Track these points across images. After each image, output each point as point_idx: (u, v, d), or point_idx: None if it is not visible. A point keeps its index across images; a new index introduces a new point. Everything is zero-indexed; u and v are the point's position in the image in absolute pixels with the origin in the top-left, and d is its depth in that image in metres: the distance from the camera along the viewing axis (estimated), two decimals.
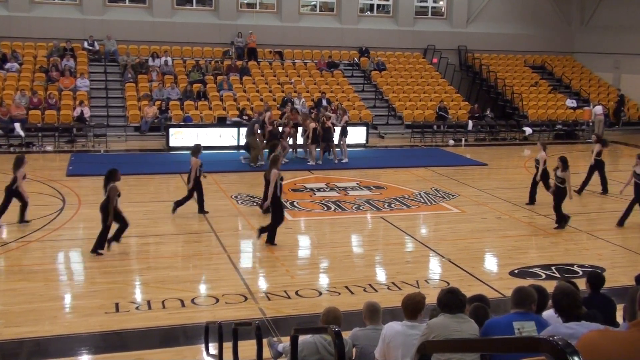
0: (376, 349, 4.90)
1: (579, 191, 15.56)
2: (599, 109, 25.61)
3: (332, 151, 19.34)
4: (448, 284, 9.46)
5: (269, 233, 11.32)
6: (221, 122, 21.60)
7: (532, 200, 14.69)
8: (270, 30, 26.74)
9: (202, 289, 9.64)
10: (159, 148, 20.72)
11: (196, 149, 13.13)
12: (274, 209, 11.31)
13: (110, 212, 10.50)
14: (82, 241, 11.81)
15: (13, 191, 11.96)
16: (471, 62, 29.42)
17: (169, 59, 24.76)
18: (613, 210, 14.31)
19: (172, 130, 20.70)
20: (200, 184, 13.06)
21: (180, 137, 20.54)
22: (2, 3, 24.21)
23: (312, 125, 18.68)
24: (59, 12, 24.99)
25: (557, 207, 12.77)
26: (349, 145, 19.93)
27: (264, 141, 17.92)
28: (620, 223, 12.98)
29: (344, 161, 19.16)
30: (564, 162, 12.55)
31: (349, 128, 20.04)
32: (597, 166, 15.80)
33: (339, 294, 9.33)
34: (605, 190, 15.81)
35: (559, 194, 12.69)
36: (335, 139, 19.35)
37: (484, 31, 29.80)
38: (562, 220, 12.76)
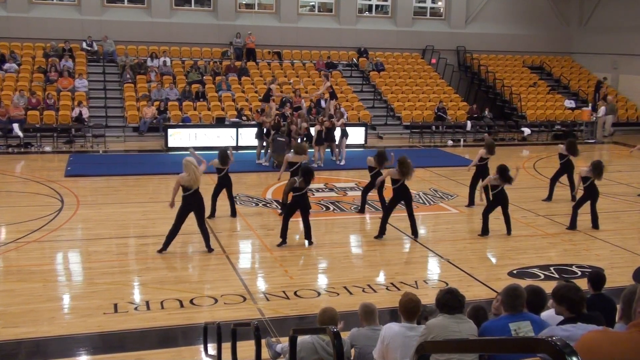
0: (374, 350, 4.90)
1: None
2: (603, 109, 25.66)
3: (333, 151, 19.36)
4: (447, 284, 9.46)
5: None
6: (220, 122, 21.60)
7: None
8: (268, 31, 26.73)
9: (201, 289, 9.62)
10: (157, 148, 20.71)
11: None
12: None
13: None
14: (81, 242, 11.82)
15: None
16: (470, 62, 29.42)
17: (168, 59, 24.75)
18: (612, 211, 14.33)
19: (170, 131, 20.70)
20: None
21: (179, 138, 20.56)
22: (0, 3, 24.18)
23: (317, 127, 18.79)
24: (58, 12, 24.97)
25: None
26: (348, 146, 19.92)
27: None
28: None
29: (341, 163, 19.19)
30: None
31: (347, 129, 20.01)
32: None
33: (338, 294, 9.33)
34: None
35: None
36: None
37: (482, 31, 29.81)
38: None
